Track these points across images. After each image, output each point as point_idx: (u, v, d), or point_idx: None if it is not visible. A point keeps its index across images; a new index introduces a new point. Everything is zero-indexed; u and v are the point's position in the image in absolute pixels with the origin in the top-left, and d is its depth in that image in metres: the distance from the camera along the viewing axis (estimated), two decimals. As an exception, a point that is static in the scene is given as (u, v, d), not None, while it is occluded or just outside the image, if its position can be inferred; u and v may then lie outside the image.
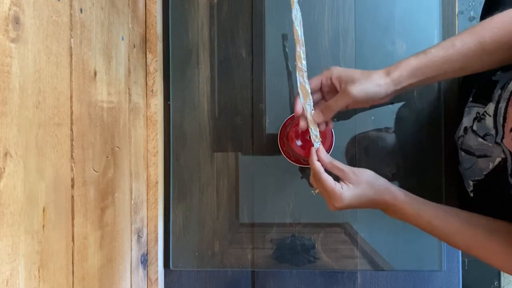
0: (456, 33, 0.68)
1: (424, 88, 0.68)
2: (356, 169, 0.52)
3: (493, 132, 0.51)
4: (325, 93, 0.56)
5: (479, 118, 0.55)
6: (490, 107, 0.52)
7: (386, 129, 0.68)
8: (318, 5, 0.68)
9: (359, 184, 0.51)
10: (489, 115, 0.52)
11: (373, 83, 0.51)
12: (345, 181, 0.52)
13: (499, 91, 0.52)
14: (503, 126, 0.49)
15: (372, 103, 0.53)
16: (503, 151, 0.49)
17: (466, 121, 0.58)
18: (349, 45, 0.68)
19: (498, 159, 0.51)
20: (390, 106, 0.67)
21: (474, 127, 0.55)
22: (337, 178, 0.53)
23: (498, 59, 0.49)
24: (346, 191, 0.51)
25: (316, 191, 0.55)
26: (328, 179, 0.52)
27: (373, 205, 0.53)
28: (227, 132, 0.69)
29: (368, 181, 0.52)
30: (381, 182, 0.53)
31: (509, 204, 0.49)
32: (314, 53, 0.68)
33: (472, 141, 0.56)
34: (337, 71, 0.53)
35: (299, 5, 0.55)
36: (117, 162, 0.54)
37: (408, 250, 0.68)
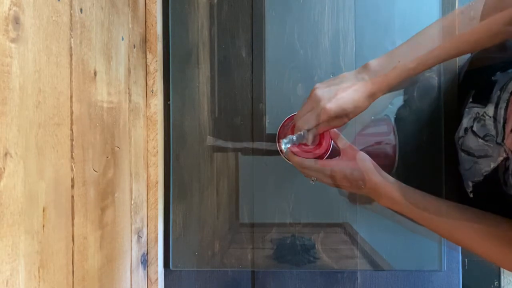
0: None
1: (424, 88, 0.68)
2: (353, 146, 0.58)
3: (493, 132, 0.51)
4: None
5: (478, 119, 0.55)
6: (490, 108, 0.53)
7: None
8: (318, 5, 0.68)
9: (354, 159, 0.56)
10: (489, 116, 0.52)
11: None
12: (342, 155, 0.57)
13: (498, 92, 0.52)
14: (504, 127, 0.49)
15: None
16: (505, 151, 0.50)
17: (466, 122, 0.58)
18: (349, 45, 0.68)
19: (500, 158, 0.51)
20: (390, 106, 0.67)
21: (474, 128, 0.56)
22: None
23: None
24: (340, 163, 0.56)
25: (313, 178, 0.57)
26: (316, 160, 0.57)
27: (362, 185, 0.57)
28: (227, 132, 0.69)
29: (362, 158, 0.56)
30: (373, 164, 0.56)
31: (509, 204, 0.49)
32: (314, 53, 0.68)
33: (472, 142, 0.56)
34: (348, 98, 0.53)
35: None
36: (117, 162, 0.54)
37: (408, 250, 0.68)
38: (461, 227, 0.51)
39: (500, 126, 0.50)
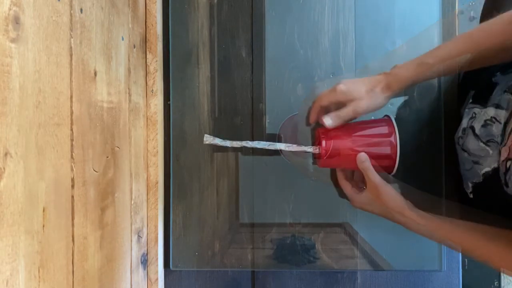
0: (457, 33, 0.68)
1: (424, 88, 0.67)
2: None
3: (494, 133, 0.51)
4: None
5: (479, 119, 0.55)
6: (490, 109, 0.53)
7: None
8: (318, 5, 0.68)
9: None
10: (490, 117, 0.52)
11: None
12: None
13: (499, 93, 0.52)
14: (505, 128, 0.49)
15: None
16: (506, 151, 0.50)
17: (466, 123, 0.58)
18: (349, 45, 0.68)
19: (501, 159, 0.51)
20: (390, 106, 0.67)
21: (475, 129, 0.56)
22: None
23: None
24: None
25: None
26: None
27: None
28: (227, 132, 0.69)
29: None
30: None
31: (509, 205, 0.49)
32: (314, 53, 0.68)
33: (471, 143, 0.56)
34: (344, 88, 0.56)
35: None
36: (117, 162, 0.54)
37: (408, 250, 0.68)
38: (461, 226, 0.51)
39: (500, 126, 0.50)
